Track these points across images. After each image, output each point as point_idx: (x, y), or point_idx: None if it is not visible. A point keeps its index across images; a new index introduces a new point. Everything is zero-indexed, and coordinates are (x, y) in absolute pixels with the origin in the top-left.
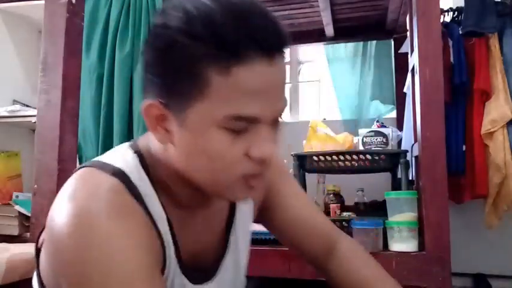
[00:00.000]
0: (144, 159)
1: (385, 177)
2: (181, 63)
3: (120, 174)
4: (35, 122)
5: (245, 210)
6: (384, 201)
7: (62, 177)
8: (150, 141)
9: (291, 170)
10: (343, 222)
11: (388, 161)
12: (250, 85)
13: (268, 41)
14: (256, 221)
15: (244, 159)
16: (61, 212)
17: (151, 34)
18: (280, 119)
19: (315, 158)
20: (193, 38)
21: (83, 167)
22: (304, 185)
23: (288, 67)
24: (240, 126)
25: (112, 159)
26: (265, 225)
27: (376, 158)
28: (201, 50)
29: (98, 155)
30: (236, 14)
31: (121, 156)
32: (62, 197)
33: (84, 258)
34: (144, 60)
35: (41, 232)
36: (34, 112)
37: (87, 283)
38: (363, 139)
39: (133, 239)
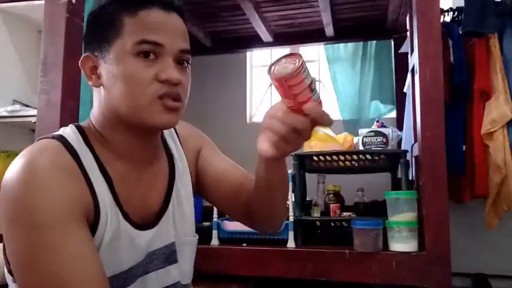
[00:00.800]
0: (81, 127)
1: (385, 177)
2: (105, 18)
3: (59, 138)
4: (35, 122)
5: (183, 168)
6: (384, 201)
7: None
8: (91, 112)
9: (291, 170)
10: (343, 222)
11: (388, 161)
12: (151, 22)
13: (167, 1)
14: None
15: (155, 82)
16: (12, 168)
17: (90, 12)
18: (186, 64)
19: (315, 158)
20: (115, 1)
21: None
22: (304, 185)
23: None
24: (146, 48)
25: (54, 132)
26: (199, 187)
27: (376, 158)
28: (120, 6)
29: None
30: None
31: (62, 129)
32: (15, 160)
33: (22, 199)
34: (85, 31)
35: None
36: (34, 112)
37: (18, 220)
38: (363, 139)
39: (64, 190)
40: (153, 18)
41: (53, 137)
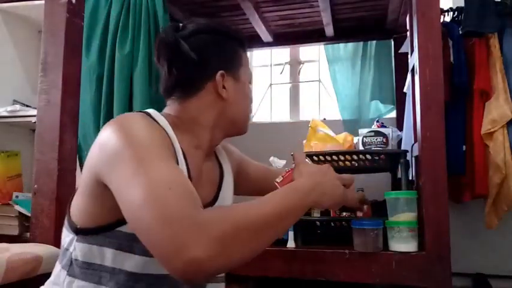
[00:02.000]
0: (165, 114)
1: (385, 177)
2: (230, 47)
3: (144, 112)
4: (35, 122)
5: (228, 171)
6: (384, 201)
7: (62, 177)
8: (171, 110)
9: None
10: (343, 222)
11: (388, 161)
12: (248, 60)
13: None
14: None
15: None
16: (106, 130)
17: (202, 33)
18: None
19: (315, 158)
20: (234, 37)
21: None
22: None
23: (288, 67)
24: (250, 81)
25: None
26: (241, 184)
27: (376, 158)
28: (239, 42)
29: None
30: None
31: (145, 110)
32: (104, 128)
33: (129, 130)
34: (206, 50)
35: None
36: (34, 112)
37: (127, 143)
38: (363, 139)
39: (161, 137)
40: (248, 58)
41: (138, 111)
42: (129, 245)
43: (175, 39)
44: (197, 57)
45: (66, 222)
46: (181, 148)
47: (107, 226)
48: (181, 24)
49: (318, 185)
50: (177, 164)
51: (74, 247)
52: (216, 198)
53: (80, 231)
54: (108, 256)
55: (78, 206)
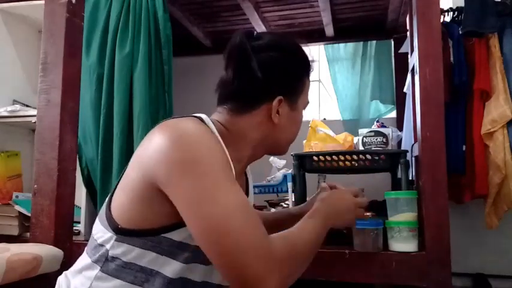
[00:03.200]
0: (215, 121)
1: (385, 177)
2: (299, 73)
3: (198, 118)
4: (35, 122)
5: (251, 183)
6: (384, 201)
7: (62, 177)
8: (226, 117)
9: (291, 170)
10: None
11: (388, 161)
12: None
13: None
14: None
15: None
16: (162, 136)
17: (273, 50)
18: None
19: (315, 158)
20: (301, 61)
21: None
22: (304, 185)
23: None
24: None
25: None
26: None
27: (376, 158)
28: (304, 68)
29: (97, 155)
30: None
31: (196, 114)
32: (156, 131)
33: (196, 147)
34: (272, 71)
35: (114, 190)
36: (34, 112)
37: (193, 163)
38: (363, 139)
39: (221, 148)
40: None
41: (191, 116)
42: (173, 252)
43: (246, 51)
44: (262, 76)
45: (105, 217)
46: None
47: (152, 231)
48: (255, 33)
49: (334, 210)
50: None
51: (111, 245)
52: None
53: (121, 231)
54: (147, 259)
55: (123, 205)
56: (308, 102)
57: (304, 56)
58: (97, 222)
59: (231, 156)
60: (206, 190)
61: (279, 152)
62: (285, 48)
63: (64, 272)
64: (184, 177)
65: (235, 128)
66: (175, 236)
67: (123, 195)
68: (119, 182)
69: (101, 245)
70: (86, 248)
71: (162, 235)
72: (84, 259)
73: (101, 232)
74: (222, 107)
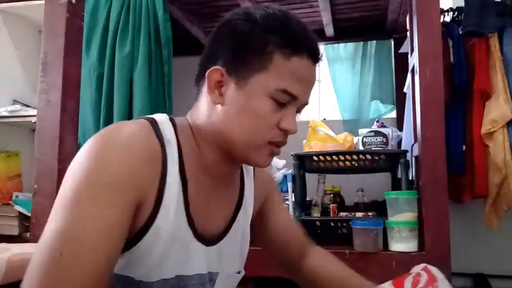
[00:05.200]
0: (175, 122)
1: (385, 177)
2: (256, 45)
3: (149, 119)
4: (35, 122)
5: (249, 204)
6: (384, 201)
7: (62, 177)
8: (192, 111)
9: (291, 170)
10: (343, 223)
11: (388, 161)
12: (300, 73)
13: (316, 50)
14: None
15: (275, 129)
16: (91, 138)
17: (233, 20)
18: (299, 113)
19: (315, 158)
20: (270, 30)
21: None
22: (304, 185)
23: None
24: (283, 99)
25: (146, 116)
26: (256, 228)
27: (376, 158)
28: (274, 39)
29: None
30: (302, 26)
31: (156, 115)
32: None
33: (91, 154)
34: (216, 37)
35: None
36: (34, 112)
37: (76, 169)
38: (363, 139)
39: (127, 171)
40: (302, 69)
41: (145, 118)
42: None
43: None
44: (210, 40)
45: None
46: (182, 172)
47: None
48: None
49: None
50: (161, 196)
51: None
52: (226, 231)
53: None
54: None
55: None
56: (288, 92)
57: (274, 24)
58: None
59: (198, 163)
60: (59, 207)
61: (236, 156)
62: (248, 15)
63: None
64: (63, 184)
65: (194, 120)
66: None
67: None
68: None
69: None
70: None
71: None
72: None
73: None
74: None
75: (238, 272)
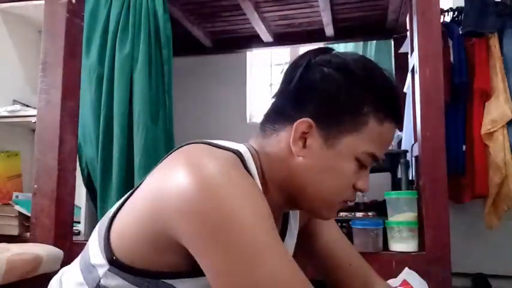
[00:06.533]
0: (253, 156)
1: (385, 177)
2: (352, 102)
3: (235, 152)
4: (35, 122)
5: (293, 229)
6: (384, 201)
7: (62, 177)
8: (260, 146)
9: None
10: (343, 223)
11: (388, 161)
12: (386, 138)
13: (400, 117)
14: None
15: (351, 188)
16: (184, 174)
17: (328, 66)
18: None
19: None
20: (369, 90)
21: (192, 143)
22: None
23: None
24: (367, 162)
25: (224, 143)
26: (303, 253)
27: None
28: (370, 101)
29: (97, 155)
30: (395, 92)
31: (234, 144)
32: (179, 164)
33: (219, 206)
34: (308, 82)
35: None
36: (34, 112)
37: (220, 229)
38: None
39: (257, 191)
40: (390, 135)
41: (227, 149)
42: None
43: (297, 63)
44: (297, 87)
45: (103, 238)
46: None
47: (152, 272)
48: (329, 48)
49: None
50: None
51: (104, 274)
52: None
53: (115, 263)
54: None
55: (123, 235)
56: (374, 155)
57: (375, 86)
58: (95, 234)
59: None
60: (242, 260)
61: (304, 207)
62: (346, 67)
63: (55, 278)
64: (213, 243)
65: (267, 159)
66: (178, 284)
67: (126, 225)
68: (126, 200)
69: (93, 267)
70: (79, 258)
71: (162, 280)
72: (75, 274)
73: (96, 251)
74: (261, 129)
75: None
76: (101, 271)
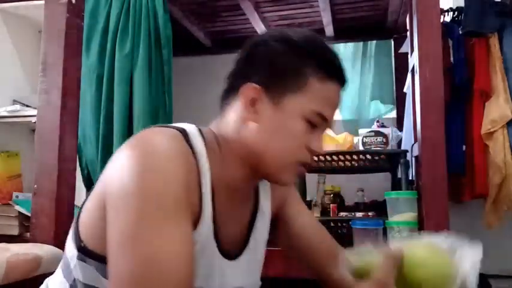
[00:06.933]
0: (202, 131)
1: (385, 177)
2: (293, 66)
3: (180, 130)
4: (35, 122)
5: (265, 213)
6: (384, 201)
7: (62, 177)
8: (218, 123)
9: None
10: (343, 223)
11: (388, 161)
12: (332, 97)
13: (344, 76)
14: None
15: (304, 150)
16: (126, 152)
17: (269, 40)
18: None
19: (315, 158)
20: (307, 53)
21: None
22: (304, 185)
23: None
24: (316, 122)
25: (174, 124)
26: (277, 235)
27: (376, 158)
28: (311, 63)
29: (97, 155)
30: (334, 52)
31: (183, 124)
32: (127, 143)
33: (138, 179)
34: (250, 55)
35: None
36: (34, 112)
37: (129, 199)
38: (363, 139)
39: (181, 176)
40: (334, 94)
41: (174, 128)
42: None
43: (249, 43)
44: (245, 59)
45: (73, 230)
46: (212, 184)
47: None
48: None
49: None
50: (201, 206)
51: (75, 264)
52: (246, 242)
53: (82, 250)
54: (106, 285)
55: (86, 223)
56: (321, 115)
57: (311, 48)
58: (69, 234)
59: (222, 177)
60: (130, 233)
61: (263, 173)
62: (286, 36)
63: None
64: (118, 208)
65: (221, 132)
66: None
67: (88, 212)
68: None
69: (69, 260)
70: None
71: None
72: (58, 274)
73: (69, 243)
74: (220, 110)
75: (258, 284)
76: (73, 263)
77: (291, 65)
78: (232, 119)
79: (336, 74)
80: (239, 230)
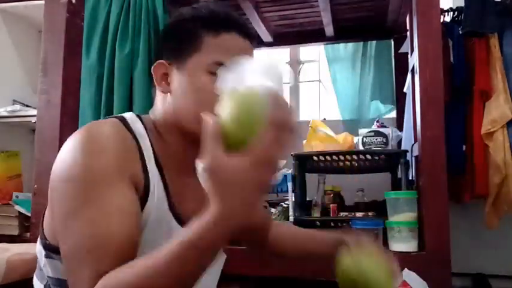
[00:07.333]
0: (140, 117)
1: (385, 177)
2: (187, 31)
3: (118, 117)
4: (35, 122)
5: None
6: (384, 201)
7: None
8: (152, 109)
9: (291, 170)
10: (343, 223)
11: (388, 161)
12: (231, 45)
13: (245, 27)
14: None
15: (216, 98)
16: (73, 135)
17: (169, 23)
18: None
19: (315, 158)
20: (197, 16)
21: None
22: (304, 185)
23: (288, 67)
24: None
25: (113, 115)
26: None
27: (376, 158)
28: (201, 24)
29: None
30: (226, 9)
31: (124, 113)
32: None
33: (78, 157)
34: (162, 39)
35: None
36: (34, 112)
37: (70, 175)
38: (363, 139)
39: (120, 154)
40: (232, 42)
41: (114, 117)
42: None
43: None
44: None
45: (40, 231)
46: (156, 160)
47: None
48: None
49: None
50: (147, 182)
51: (44, 263)
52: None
53: (48, 247)
54: None
55: (46, 221)
56: (222, 64)
57: (197, 12)
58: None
59: (167, 153)
60: (76, 201)
61: (187, 131)
62: (178, 14)
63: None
64: (54, 191)
65: (155, 115)
66: None
67: (48, 208)
68: None
69: (40, 260)
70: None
71: None
72: (35, 277)
73: (38, 242)
74: None
75: (221, 255)
76: (42, 262)
77: (184, 32)
78: (157, 98)
79: (227, 25)
80: (198, 201)
